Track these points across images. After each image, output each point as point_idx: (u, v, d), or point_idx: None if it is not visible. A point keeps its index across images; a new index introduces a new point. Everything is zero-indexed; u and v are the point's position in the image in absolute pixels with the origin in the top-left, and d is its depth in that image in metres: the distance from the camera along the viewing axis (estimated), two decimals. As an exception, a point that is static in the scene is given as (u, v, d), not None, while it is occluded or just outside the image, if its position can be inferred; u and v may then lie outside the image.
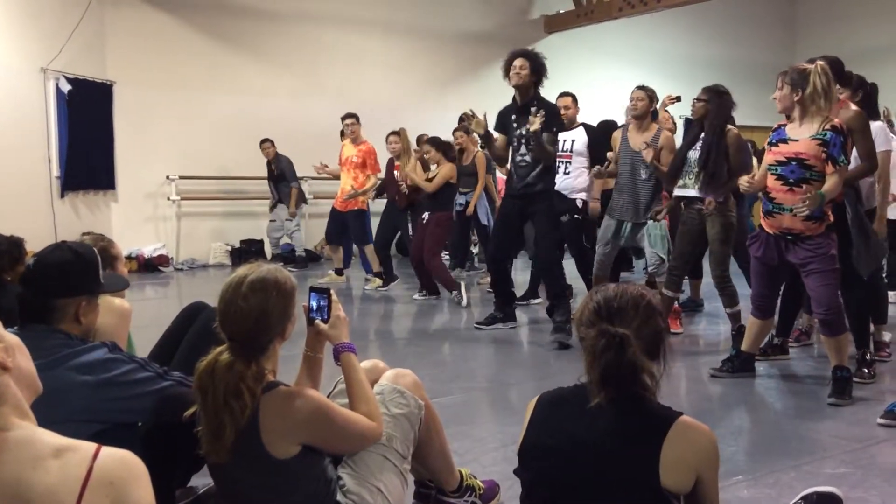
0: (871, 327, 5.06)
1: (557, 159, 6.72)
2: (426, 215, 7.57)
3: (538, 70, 5.64)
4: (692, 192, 5.35)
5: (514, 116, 5.79)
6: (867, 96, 4.97)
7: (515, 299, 6.44)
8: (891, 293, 7.00)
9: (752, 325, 4.57)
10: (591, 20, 12.70)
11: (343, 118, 8.59)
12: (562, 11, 13.18)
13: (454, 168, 7.61)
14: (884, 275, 4.71)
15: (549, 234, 5.78)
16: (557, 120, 5.80)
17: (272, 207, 10.38)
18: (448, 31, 12.31)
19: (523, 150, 5.71)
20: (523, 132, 5.69)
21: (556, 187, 6.47)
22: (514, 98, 5.79)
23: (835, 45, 13.57)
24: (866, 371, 4.52)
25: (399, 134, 8.14)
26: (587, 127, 6.97)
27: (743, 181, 4.39)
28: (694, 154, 5.48)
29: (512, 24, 12.90)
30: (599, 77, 13.32)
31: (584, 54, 13.50)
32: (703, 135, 5.35)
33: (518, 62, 5.63)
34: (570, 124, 6.84)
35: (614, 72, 13.46)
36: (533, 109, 5.60)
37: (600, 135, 9.17)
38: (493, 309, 6.24)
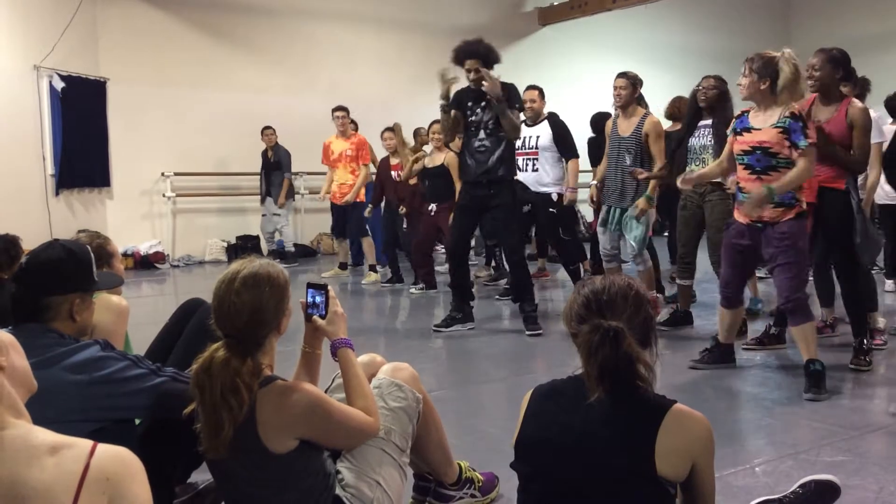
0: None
1: (523, 157, 6.67)
2: (433, 207, 7.50)
3: (490, 63, 5.55)
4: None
5: (469, 104, 5.72)
6: (861, 91, 5.01)
7: (473, 298, 6.25)
8: (888, 282, 7.03)
9: (724, 316, 4.52)
10: (585, 12, 12.69)
11: (334, 110, 8.56)
12: (556, 3, 13.16)
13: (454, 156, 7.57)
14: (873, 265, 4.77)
15: (514, 229, 5.74)
16: (516, 98, 5.69)
17: (262, 200, 10.32)
18: (441, 24, 12.27)
19: (482, 134, 5.63)
20: (481, 119, 5.62)
21: (524, 180, 6.41)
22: (470, 84, 5.69)
23: (827, 34, 13.57)
24: (863, 359, 4.54)
25: (393, 130, 8.13)
26: (553, 119, 6.84)
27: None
28: (696, 141, 5.43)
29: (506, 17, 12.87)
30: (594, 69, 13.31)
31: (579, 46, 13.48)
32: (711, 121, 5.33)
33: (470, 64, 5.52)
34: (536, 118, 6.76)
35: (609, 64, 13.38)
36: (484, 83, 5.47)
37: (594, 127, 9.12)
38: (457, 307, 5.95)
